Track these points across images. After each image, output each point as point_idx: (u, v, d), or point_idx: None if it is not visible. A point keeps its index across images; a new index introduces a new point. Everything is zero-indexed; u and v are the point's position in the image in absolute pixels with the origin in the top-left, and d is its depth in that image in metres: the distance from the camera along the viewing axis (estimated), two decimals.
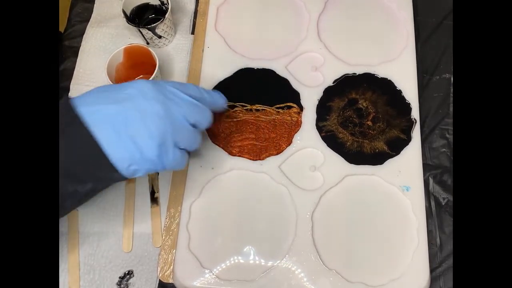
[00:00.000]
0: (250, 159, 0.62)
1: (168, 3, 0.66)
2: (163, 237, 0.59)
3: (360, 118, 0.64)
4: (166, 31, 0.67)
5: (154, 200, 0.61)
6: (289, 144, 0.62)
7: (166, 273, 0.57)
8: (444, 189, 0.61)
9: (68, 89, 0.67)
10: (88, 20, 0.72)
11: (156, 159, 0.45)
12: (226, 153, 0.62)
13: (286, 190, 0.60)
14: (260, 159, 0.62)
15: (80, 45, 0.70)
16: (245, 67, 0.67)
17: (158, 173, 0.63)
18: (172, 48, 0.71)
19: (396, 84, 0.65)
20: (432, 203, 0.61)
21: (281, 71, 0.67)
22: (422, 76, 0.67)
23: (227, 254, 0.57)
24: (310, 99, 0.65)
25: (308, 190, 0.60)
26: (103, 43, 0.70)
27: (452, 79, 0.67)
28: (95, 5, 0.74)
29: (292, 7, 0.71)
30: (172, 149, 0.46)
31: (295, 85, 0.66)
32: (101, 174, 0.45)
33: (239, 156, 0.62)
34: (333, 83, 0.66)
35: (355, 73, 0.66)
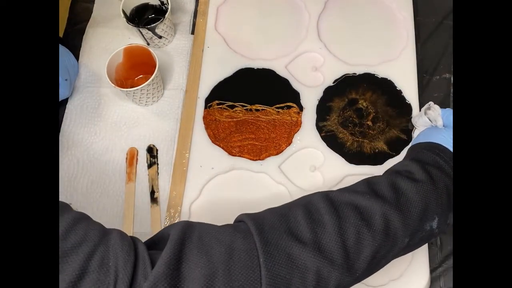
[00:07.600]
0: (250, 159, 0.62)
1: (168, 3, 0.66)
2: None
3: (360, 118, 0.64)
4: (166, 31, 0.67)
5: (154, 200, 0.61)
6: (289, 144, 0.62)
7: None
8: None
9: None
10: (88, 20, 0.72)
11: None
12: (226, 153, 0.62)
13: (286, 190, 0.60)
14: (260, 159, 0.62)
15: (80, 45, 0.70)
16: (245, 67, 0.67)
17: (158, 173, 0.63)
18: (172, 48, 0.70)
19: (396, 84, 0.65)
20: None
21: (281, 71, 0.67)
22: (422, 76, 0.67)
23: None
24: (310, 99, 0.65)
25: (308, 190, 0.60)
26: (103, 43, 0.70)
27: (452, 79, 0.67)
28: (95, 5, 0.74)
29: (292, 7, 0.71)
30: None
31: (295, 85, 0.66)
32: None
33: (239, 156, 0.62)
34: (333, 83, 0.66)
35: (355, 73, 0.66)
